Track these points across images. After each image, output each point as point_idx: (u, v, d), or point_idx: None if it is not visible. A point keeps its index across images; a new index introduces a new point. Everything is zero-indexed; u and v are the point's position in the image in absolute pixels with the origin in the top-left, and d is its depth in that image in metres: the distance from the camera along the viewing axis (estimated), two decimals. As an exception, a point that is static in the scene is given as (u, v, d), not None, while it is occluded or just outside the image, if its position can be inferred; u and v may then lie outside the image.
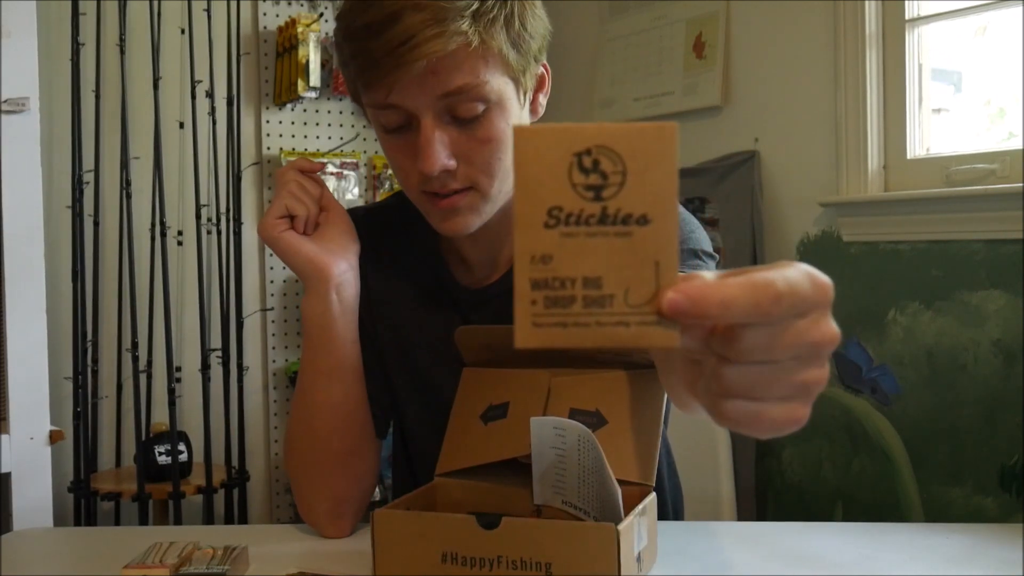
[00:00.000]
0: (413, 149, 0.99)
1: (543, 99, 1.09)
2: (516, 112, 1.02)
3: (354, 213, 1.16)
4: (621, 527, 0.84)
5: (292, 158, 2.93)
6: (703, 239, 1.10)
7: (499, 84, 0.98)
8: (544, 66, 1.07)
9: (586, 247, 0.50)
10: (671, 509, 1.22)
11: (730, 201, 2.52)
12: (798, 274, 0.51)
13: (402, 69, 0.93)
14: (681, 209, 1.12)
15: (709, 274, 0.52)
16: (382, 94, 0.97)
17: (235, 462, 2.66)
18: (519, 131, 0.50)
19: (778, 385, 0.53)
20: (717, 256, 1.11)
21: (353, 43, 0.97)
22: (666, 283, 0.49)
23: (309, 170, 1.11)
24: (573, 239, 0.50)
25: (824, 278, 0.53)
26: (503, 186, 1.03)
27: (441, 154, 0.97)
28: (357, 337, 1.12)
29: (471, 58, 0.95)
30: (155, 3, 2.59)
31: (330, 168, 2.99)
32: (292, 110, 2.99)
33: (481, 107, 0.97)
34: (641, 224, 0.49)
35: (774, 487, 2.45)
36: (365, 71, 0.96)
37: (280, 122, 2.98)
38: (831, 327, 0.53)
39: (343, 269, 1.09)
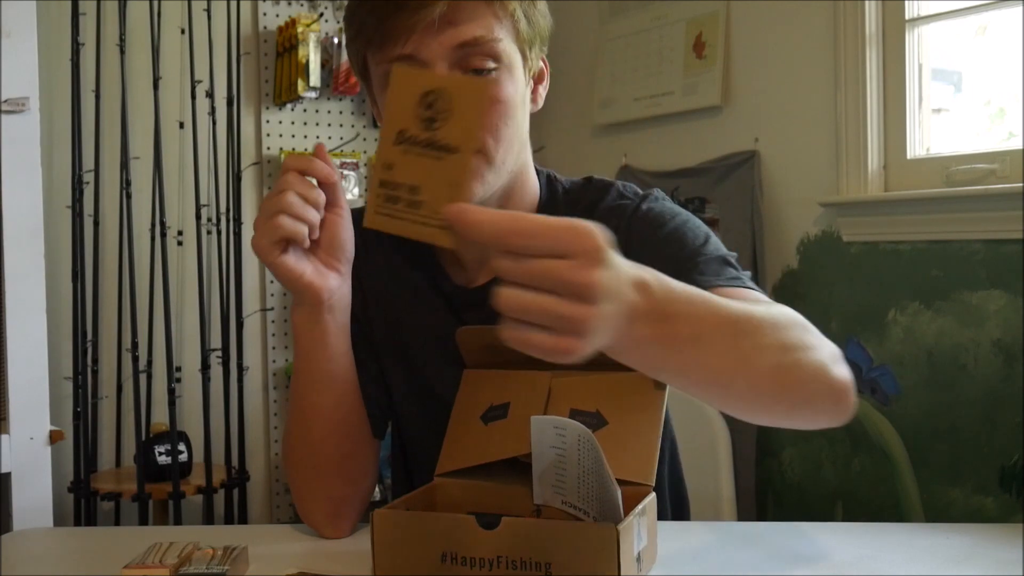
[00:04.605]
0: None
1: (543, 91, 1.13)
2: (521, 88, 1.05)
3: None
4: (621, 527, 0.84)
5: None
6: (722, 245, 1.09)
7: (510, 48, 1.02)
8: (543, 60, 1.11)
9: (414, 163, 0.68)
10: (670, 510, 1.22)
11: (730, 201, 2.52)
12: (560, 222, 0.65)
13: (422, 12, 0.96)
14: (690, 215, 1.12)
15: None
16: (399, 45, 0.98)
17: (235, 462, 2.66)
18: (399, 69, 0.69)
19: (539, 314, 0.65)
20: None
21: None
22: (456, 199, 0.66)
23: (322, 178, 0.98)
24: (407, 155, 0.68)
25: (589, 231, 0.65)
26: (508, 156, 1.05)
27: None
28: (349, 347, 1.09)
29: (487, 14, 1.00)
30: (155, 3, 2.59)
31: (330, 168, 2.99)
32: (292, 110, 2.99)
33: (493, 64, 1.01)
34: (451, 152, 0.67)
35: (774, 487, 2.45)
36: (384, 21, 0.98)
37: (280, 122, 2.98)
38: (591, 275, 0.64)
39: (336, 286, 1.03)
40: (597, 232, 0.66)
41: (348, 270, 1.06)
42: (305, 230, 0.97)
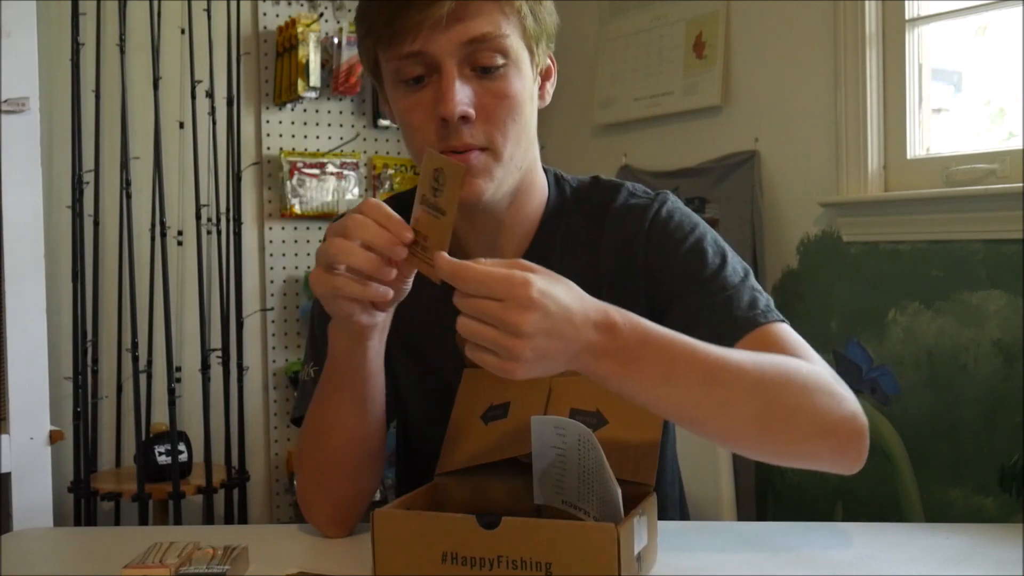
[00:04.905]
0: (432, 103, 1.02)
1: (550, 87, 1.14)
2: (529, 85, 1.07)
3: None
4: (621, 527, 0.84)
5: (292, 158, 2.93)
6: (738, 259, 1.10)
7: (517, 44, 1.04)
8: (551, 57, 1.13)
9: (427, 219, 0.89)
10: (672, 508, 1.22)
11: (730, 201, 2.52)
12: (498, 273, 0.81)
13: (430, 10, 0.98)
14: (706, 227, 1.14)
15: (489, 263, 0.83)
16: (407, 42, 1.00)
17: (235, 462, 2.66)
18: (427, 153, 0.90)
19: (484, 339, 0.81)
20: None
21: None
22: (442, 249, 0.86)
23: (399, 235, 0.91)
24: (425, 214, 0.89)
25: (523, 281, 0.80)
26: (516, 152, 1.06)
27: (462, 98, 1.01)
28: (382, 366, 1.07)
29: (494, 11, 1.02)
30: (155, 3, 2.59)
31: (330, 168, 2.99)
32: (292, 110, 2.99)
33: (501, 60, 1.03)
34: (443, 214, 0.88)
35: (774, 487, 2.45)
36: (393, 19, 1.00)
37: (280, 122, 2.98)
38: (516, 315, 0.79)
39: (383, 318, 1.01)
40: (532, 282, 0.80)
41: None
42: (372, 297, 0.92)
